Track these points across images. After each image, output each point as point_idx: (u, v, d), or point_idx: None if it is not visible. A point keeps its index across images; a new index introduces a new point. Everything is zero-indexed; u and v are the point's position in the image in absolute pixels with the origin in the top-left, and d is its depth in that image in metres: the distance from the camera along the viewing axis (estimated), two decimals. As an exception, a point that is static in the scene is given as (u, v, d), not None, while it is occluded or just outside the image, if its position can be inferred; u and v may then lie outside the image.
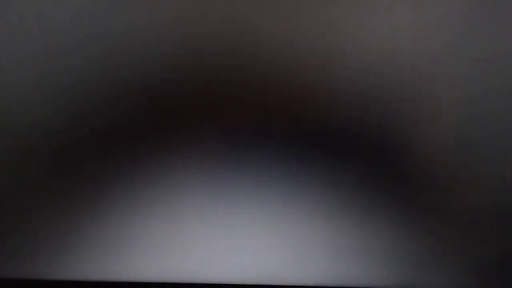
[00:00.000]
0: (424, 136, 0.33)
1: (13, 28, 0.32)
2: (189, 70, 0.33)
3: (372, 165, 0.33)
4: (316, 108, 0.33)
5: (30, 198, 0.33)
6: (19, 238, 0.33)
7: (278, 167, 0.33)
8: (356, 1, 0.33)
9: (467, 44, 0.33)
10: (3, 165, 0.33)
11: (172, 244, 0.33)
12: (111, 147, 0.33)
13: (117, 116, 0.33)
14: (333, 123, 0.33)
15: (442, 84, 0.33)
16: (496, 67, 0.33)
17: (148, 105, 0.33)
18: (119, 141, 0.33)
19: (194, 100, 0.33)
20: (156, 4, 0.33)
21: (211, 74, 0.33)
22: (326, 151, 0.33)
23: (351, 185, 0.33)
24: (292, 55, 0.33)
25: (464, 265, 0.34)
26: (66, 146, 0.33)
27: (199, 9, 0.33)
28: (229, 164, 0.33)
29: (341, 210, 0.34)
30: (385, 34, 0.33)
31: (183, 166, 0.33)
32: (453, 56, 0.33)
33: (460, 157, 0.33)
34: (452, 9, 0.33)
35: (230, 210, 0.33)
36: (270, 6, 0.33)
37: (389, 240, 0.34)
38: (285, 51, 0.33)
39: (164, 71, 0.33)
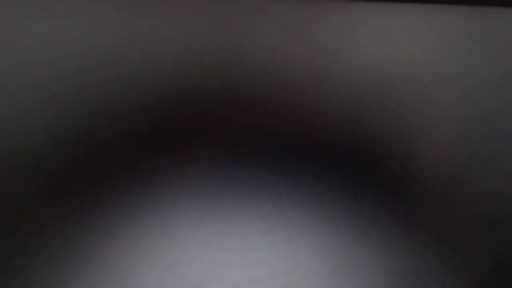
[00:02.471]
0: (419, 152, 0.34)
1: (11, 49, 0.32)
2: (185, 91, 0.33)
3: (367, 181, 0.34)
4: (310, 126, 0.33)
5: (29, 220, 0.33)
6: (19, 259, 0.33)
7: (272, 185, 0.33)
8: (349, 22, 0.33)
9: (459, 63, 0.34)
10: (2, 187, 0.33)
11: (167, 263, 0.33)
12: (108, 167, 0.33)
13: (113, 137, 0.33)
14: (327, 141, 0.33)
15: (434, 101, 0.34)
16: (487, 86, 0.34)
17: (144, 126, 0.33)
18: (115, 161, 0.33)
19: (189, 120, 0.33)
20: (152, 26, 0.33)
21: (206, 95, 0.33)
22: (320, 168, 0.33)
23: (346, 202, 0.34)
24: (286, 75, 0.33)
25: (461, 280, 0.34)
26: (62, 167, 0.33)
27: (195, 30, 0.33)
28: (224, 183, 0.33)
29: (336, 227, 0.34)
30: (378, 53, 0.33)
31: (178, 186, 0.33)
32: (445, 75, 0.34)
33: (454, 171, 0.34)
34: (444, 30, 0.33)
35: (224, 229, 0.34)
36: (265, 28, 0.33)
37: (386, 256, 0.34)
38: (279, 71, 0.33)
39: (159, 92, 0.33)
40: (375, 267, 0.34)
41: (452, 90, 0.34)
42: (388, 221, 0.34)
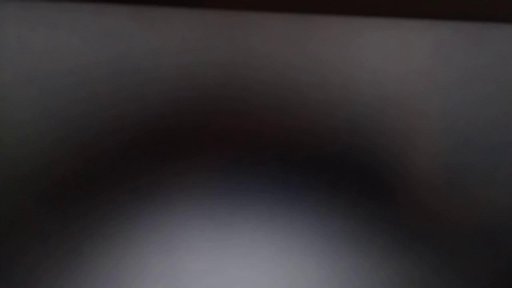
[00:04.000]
0: (416, 164, 0.34)
1: (11, 63, 0.32)
2: (185, 103, 0.33)
3: (366, 193, 0.34)
4: (310, 138, 0.34)
5: (28, 233, 0.33)
6: (19, 271, 0.33)
7: (272, 196, 0.34)
8: (348, 37, 0.34)
9: (456, 78, 0.34)
10: (3, 196, 0.33)
11: (167, 273, 0.34)
12: (108, 177, 0.33)
13: (113, 149, 0.33)
14: (326, 153, 0.34)
15: (431, 114, 0.34)
16: (484, 101, 0.35)
17: (144, 137, 0.33)
18: (115, 173, 0.33)
19: (189, 132, 0.33)
20: (153, 40, 0.33)
21: (206, 106, 0.33)
22: (320, 180, 0.34)
23: (345, 214, 0.34)
24: (286, 88, 0.34)
25: None
26: (64, 177, 0.33)
27: (195, 38, 0.33)
28: (223, 194, 0.34)
29: (336, 238, 0.34)
30: (376, 67, 0.34)
31: (179, 199, 0.33)
32: (441, 89, 0.34)
33: (450, 183, 0.34)
34: (438, 49, 0.34)
35: (224, 240, 0.34)
36: (265, 41, 0.34)
37: (383, 268, 0.35)
38: (279, 84, 0.34)
39: (160, 104, 0.33)
40: (374, 279, 0.35)
41: (448, 104, 0.35)
42: (387, 234, 0.34)
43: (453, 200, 0.34)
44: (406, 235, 0.35)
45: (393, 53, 0.34)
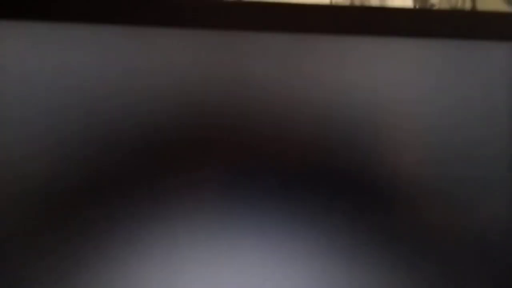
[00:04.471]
0: (412, 176, 0.34)
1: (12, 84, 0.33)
2: (185, 120, 0.34)
3: (360, 205, 0.34)
4: (306, 153, 0.34)
5: (30, 246, 0.33)
6: (24, 284, 0.33)
7: (271, 210, 0.34)
8: (341, 56, 0.35)
9: (447, 94, 0.35)
10: (3, 213, 0.33)
11: (168, 287, 0.34)
12: (109, 192, 0.33)
13: (115, 162, 0.33)
14: (323, 168, 0.34)
15: (422, 130, 0.35)
16: (474, 116, 0.35)
17: (145, 150, 0.34)
18: (117, 186, 0.33)
19: (190, 145, 0.34)
20: (153, 53, 0.34)
21: (207, 120, 0.34)
22: (318, 194, 0.34)
23: (342, 224, 0.34)
24: (282, 105, 0.34)
25: None
26: (65, 192, 0.33)
27: (192, 57, 0.34)
28: (222, 209, 0.34)
29: (333, 251, 0.34)
30: (369, 85, 0.35)
31: (180, 211, 0.34)
32: (432, 105, 0.35)
33: (448, 196, 0.35)
34: (432, 63, 0.35)
35: (223, 254, 0.34)
36: (261, 61, 0.35)
37: (380, 279, 0.35)
38: (276, 101, 0.34)
39: (161, 117, 0.34)
40: (369, 283, 0.34)
41: (440, 120, 0.35)
42: (384, 245, 0.34)
43: (450, 210, 0.35)
44: (403, 246, 0.34)
45: (384, 70, 0.35)
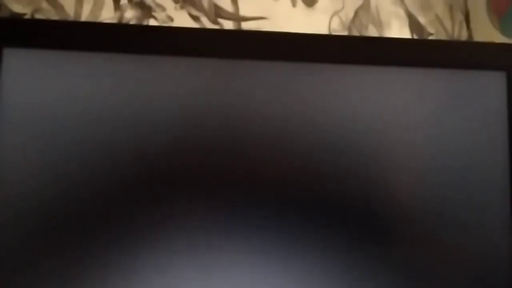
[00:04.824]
0: (409, 202, 0.35)
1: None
2: (185, 143, 0.34)
3: (360, 231, 0.34)
4: (304, 179, 0.35)
5: (31, 271, 0.33)
6: None
7: (267, 234, 0.34)
8: (340, 83, 0.36)
9: (440, 121, 0.36)
10: (4, 238, 0.33)
11: None
12: (108, 217, 0.33)
13: (113, 187, 0.34)
14: (321, 193, 0.35)
15: (418, 155, 0.35)
16: (464, 141, 0.36)
17: (144, 176, 0.34)
18: (115, 211, 0.34)
19: (189, 171, 0.34)
20: (152, 80, 0.35)
21: (206, 147, 0.34)
22: (314, 219, 0.34)
23: (340, 253, 0.34)
24: (281, 130, 0.35)
25: None
26: (62, 217, 0.33)
27: (195, 84, 0.35)
28: (219, 233, 0.34)
29: (330, 277, 0.34)
30: (365, 112, 0.35)
31: (178, 236, 0.34)
32: (426, 132, 0.36)
33: (446, 223, 0.35)
34: (428, 92, 0.36)
35: (224, 280, 0.34)
36: (263, 84, 0.35)
37: None
38: (275, 126, 0.35)
39: (160, 144, 0.34)
40: None
41: (437, 147, 0.36)
42: (383, 271, 0.34)
43: (447, 238, 0.35)
44: (404, 273, 0.34)
45: (382, 98, 0.36)
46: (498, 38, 0.63)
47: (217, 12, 0.56)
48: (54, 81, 0.34)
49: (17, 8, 0.48)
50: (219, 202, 0.34)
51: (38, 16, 0.48)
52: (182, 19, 0.54)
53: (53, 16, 0.49)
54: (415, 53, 0.36)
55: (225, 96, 0.35)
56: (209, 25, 0.55)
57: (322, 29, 0.61)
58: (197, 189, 0.34)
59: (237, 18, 0.57)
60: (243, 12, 0.57)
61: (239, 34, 0.36)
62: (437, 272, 0.35)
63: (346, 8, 0.63)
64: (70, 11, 0.49)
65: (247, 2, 0.57)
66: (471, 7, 0.70)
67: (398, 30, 0.66)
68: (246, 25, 0.57)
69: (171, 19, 0.53)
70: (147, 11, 0.53)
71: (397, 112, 0.36)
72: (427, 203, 0.35)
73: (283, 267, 0.34)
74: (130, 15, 0.52)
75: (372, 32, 0.64)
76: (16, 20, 0.41)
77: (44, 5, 0.49)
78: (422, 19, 0.67)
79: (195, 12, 0.55)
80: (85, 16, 0.50)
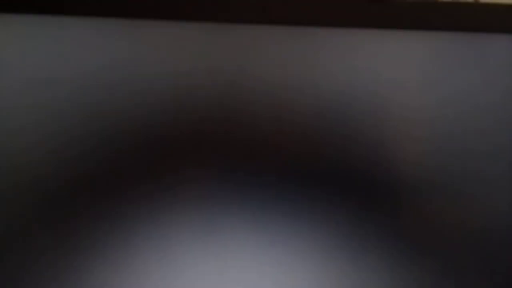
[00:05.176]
0: (414, 170, 0.34)
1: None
2: (184, 112, 0.34)
3: (365, 201, 0.34)
4: (307, 147, 0.34)
5: (27, 244, 0.33)
6: (19, 283, 0.33)
7: (268, 206, 0.34)
8: (343, 49, 0.34)
9: (448, 87, 0.35)
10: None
11: (163, 285, 0.33)
12: (105, 189, 0.33)
13: (111, 158, 0.33)
14: (323, 163, 0.34)
15: (426, 123, 0.34)
16: (479, 109, 0.35)
17: (142, 146, 0.33)
18: (113, 183, 0.33)
19: (188, 141, 0.34)
20: (153, 45, 0.34)
21: (206, 115, 0.34)
22: (317, 188, 0.34)
23: (345, 223, 0.34)
24: (283, 98, 0.34)
25: None
26: (58, 189, 0.33)
27: (194, 51, 0.34)
28: (219, 205, 0.34)
29: (335, 248, 0.34)
30: (372, 78, 0.34)
31: (177, 208, 0.33)
32: (435, 97, 0.35)
33: (450, 192, 0.34)
34: (434, 58, 0.35)
35: (220, 250, 0.34)
36: (264, 49, 0.34)
37: (384, 277, 0.34)
38: (276, 94, 0.34)
39: (158, 113, 0.33)
40: (372, 281, 0.34)
41: (443, 112, 0.35)
42: (388, 243, 0.34)
43: (451, 205, 0.34)
44: (408, 244, 0.34)
45: (390, 63, 0.35)
46: (506, -1, 0.61)
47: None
48: (42, 48, 0.33)
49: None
50: (217, 171, 0.33)
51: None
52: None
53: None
54: (421, 15, 0.35)
55: (222, 62, 0.34)
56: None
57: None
58: (196, 157, 0.33)
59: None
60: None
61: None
62: (444, 240, 0.34)
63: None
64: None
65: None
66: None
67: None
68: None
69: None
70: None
71: (404, 78, 0.35)
72: (434, 171, 0.34)
73: (285, 233, 0.34)
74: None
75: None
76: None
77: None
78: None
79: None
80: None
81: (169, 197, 0.33)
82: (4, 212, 0.33)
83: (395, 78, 0.35)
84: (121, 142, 0.33)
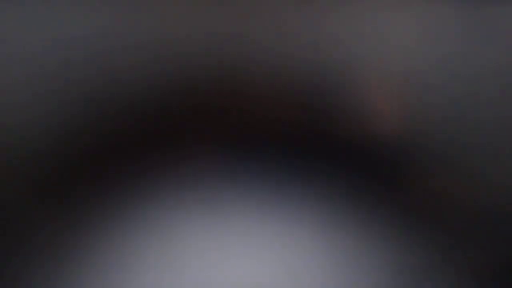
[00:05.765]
0: (416, 147, 0.34)
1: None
2: (181, 87, 0.33)
3: (368, 175, 0.34)
4: (308, 122, 0.34)
5: (24, 222, 0.32)
6: (15, 263, 0.33)
7: (273, 180, 0.33)
8: (344, 18, 0.34)
9: (456, 57, 0.34)
10: None
11: (166, 263, 0.33)
12: (104, 166, 0.33)
13: (109, 134, 0.33)
14: (327, 137, 0.34)
15: (431, 95, 0.34)
16: (484, 80, 0.35)
17: (140, 123, 0.33)
18: (112, 160, 0.33)
19: (188, 115, 0.33)
20: (153, 17, 0.33)
21: (203, 90, 0.33)
22: (321, 163, 0.34)
23: (347, 197, 0.34)
24: (284, 70, 0.34)
25: (465, 274, 0.34)
26: (57, 167, 0.32)
27: (195, 23, 0.33)
28: (223, 179, 0.33)
29: (338, 222, 0.34)
30: (375, 48, 0.34)
31: (178, 184, 0.33)
32: (442, 68, 0.34)
33: (456, 164, 0.34)
34: (439, 25, 0.34)
35: (225, 227, 0.33)
36: (265, 18, 0.34)
37: (389, 252, 0.34)
38: (277, 65, 0.34)
39: (157, 87, 0.33)
40: (379, 264, 0.34)
41: (449, 84, 0.35)
42: (388, 217, 0.34)
43: (462, 179, 0.34)
44: (413, 218, 0.34)
45: (394, 33, 0.34)
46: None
47: None
48: (38, 22, 0.32)
49: None
50: (219, 146, 0.33)
51: None
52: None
53: None
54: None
55: (220, 28, 0.33)
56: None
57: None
58: (195, 133, 0.33)
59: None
60: None
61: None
62: (445, 215, 0.34)
63: None
64: None
65: None
66: None
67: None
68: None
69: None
70: None
71: (411, 52, 0.34)
72: (438, 141, 0.34)
73: (289, 211, 0.34)
74: None
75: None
76: None
77: None
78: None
79: None
80: None
81: (168, 175, 0.33)
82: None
83: (400, 53, 0.34)
84: (117, 115, 0.33)
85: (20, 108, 0.32)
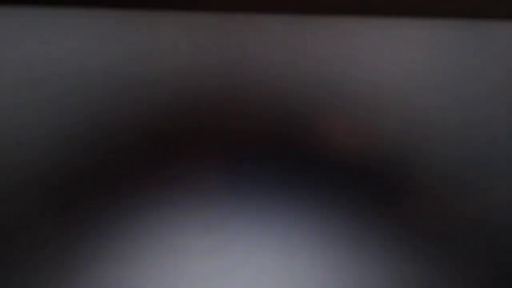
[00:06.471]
0: (416, 160, 0.34)
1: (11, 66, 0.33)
2: (185, 104, 0.33)
3: (366, 194, 0.34)
4: (309, 138, 0.34)
5: (31, 233, 0.33)
6: (22, 274, 0.33)
7: (275, 194, 0.34)
8: (343, 37, 0.34)
9: (450, 77, 0.34)
10: (2, 201, 0.33)
11: (169, 274, 0.33)
12: (108, 180, 0.33)
13: (114, 151, 0.33)
14: (327, 151, 0.34)
15: (430, 111, 0.34)
16: (481, 97, 0.35)
17: (144, 139, 0.33)
18: (116, 174, 0.33)
19: (190, 134, 0.33)
20: (152, 38, 0.33)
21: (207, 107, 0.33)
22: (320, 179, 0.34)
23: (345, 213, 0.34)
24: (284, 88, 0.34)
25: (461, 286, 0.34)
26: (63, 180, 0.33)
27: (195, 42, 0.33)
28: (225, 194, 0.33)
29: (336, 237, 0.34)
30: (373, 66, 0.34)
31: (180, 201, 0.33)
32: (437, 87, 0.34)
33: (453, 181, 0.34)
34: (436, 46, 0.34)
35: (226, 240, 0.34)
36: (260, 42, 0.34)
37: (386, 269, 0.34)
38: (278, 84, 0.34)
39: (159, 105, 0.33)
40: (376, 275, 0.34)
41: (447, 99, 0.34)
42: (388, 234, 0.34)
43: (453, 195, 0.34)
44: (410, 235, 0.34)
45: (392, 52, 0.34)
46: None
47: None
48: (38, 40, 0.33)
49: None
50: (221, 161, 0.33)
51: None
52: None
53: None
54: (422, 3, 0.34)
55: (223, 53, 0.33)
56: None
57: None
58: (198, 149, 0.33)
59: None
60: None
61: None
62: (443, 228, 0.34)
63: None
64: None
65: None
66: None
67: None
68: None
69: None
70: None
71: (404, 65, 0.34)
72: (441, 162, 0.34)
73: (289, 224, 0.34)
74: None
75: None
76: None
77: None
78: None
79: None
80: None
81: (171, 190, 0.33)
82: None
83: (394, 66, 0.34)
84: (122, 135, 0.33)
85: (32, 126, 0.33)
